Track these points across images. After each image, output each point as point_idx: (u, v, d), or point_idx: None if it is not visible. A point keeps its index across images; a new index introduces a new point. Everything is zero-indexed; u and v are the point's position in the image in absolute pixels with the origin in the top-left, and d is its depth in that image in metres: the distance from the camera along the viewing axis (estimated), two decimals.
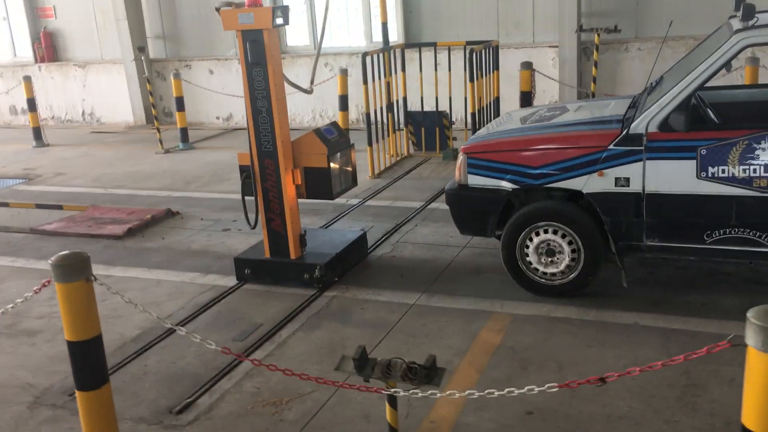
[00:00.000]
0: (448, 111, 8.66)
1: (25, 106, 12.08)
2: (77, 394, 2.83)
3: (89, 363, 2.77)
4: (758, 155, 3.89)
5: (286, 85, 4.95)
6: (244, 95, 4.82)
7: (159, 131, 10.20)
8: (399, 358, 2.86)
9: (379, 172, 8.08)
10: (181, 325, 4.49)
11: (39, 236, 6.48)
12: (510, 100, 9.20)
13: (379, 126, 8.21)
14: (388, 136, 8.50)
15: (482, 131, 5.27)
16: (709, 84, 4.17)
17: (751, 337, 1.83)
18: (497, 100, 8.47)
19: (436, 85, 8.53)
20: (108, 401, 2.85)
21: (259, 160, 4.90)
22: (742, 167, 3.92)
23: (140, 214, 6.76)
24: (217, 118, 12.23)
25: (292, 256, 5.02)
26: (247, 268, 5.10)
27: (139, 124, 12.44)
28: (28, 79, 11.05)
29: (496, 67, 8.34)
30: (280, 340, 4.24)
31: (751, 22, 4.03)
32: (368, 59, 7.83)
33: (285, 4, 4.88)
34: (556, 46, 9.76)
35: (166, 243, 6.12)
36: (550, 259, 4.49)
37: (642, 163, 4.13)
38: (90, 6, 12.78)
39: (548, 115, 5.03)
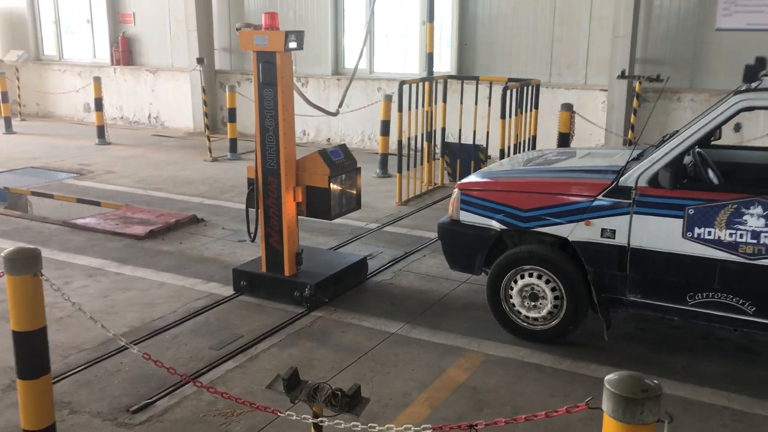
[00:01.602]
0: (485, 145, 8.67)
1: (92, 105, 12.79)
2: (18, 382, 3.00)
3: (31, 353, 2.94)
4: (746, 221, 3.78)
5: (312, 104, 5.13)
6: (254, 113, 5.00)
7: (209, 139, 10.58)
8: (326, 383, 2.92)
9: (407, 199, 8.15)
10: (169, 329, 4.70)
11: (69, 229, 6.84)
12: (552, 140, 9.13)
13: (417, 154, 8.33)
14: (423, 164, 8.58)
15: (485, 169, 5.29)
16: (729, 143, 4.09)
17: (604, 402, 1.82)
18: (534, 138, 8.43)
19: (476, 118, 8.56)
20: (47, 392, 3.01)
21: (263, 177, 5.07)
22: (728, 231, 3.82)
23: (167, 218, 7.04)
24: None
25: (287, 273, 5.15)
26: (244, 280, 5.26)
27: (199, 131, 12.90)
28: (97, 80, 11.66)
29: (536, 105, 8.31)
30: (254, 353, 4.35)
31: (753, 85, 3.94)
32: (408, 87, 7.96)
33: (301, 29, 4.95)
34: (607, 90, 9.65)
35: (181, 248, 6.35)
36: (533, 304, 4.46)
37: (629, 216, 4.07)
38: (167, 15, 13.42)
39: (553, 159, 5.02)
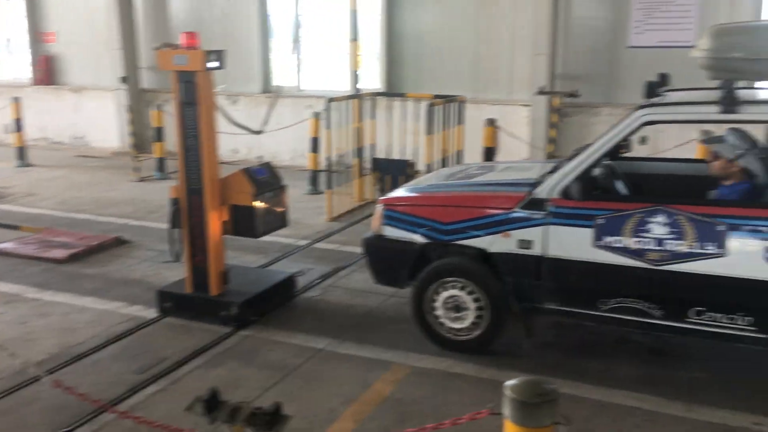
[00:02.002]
0: (414, 160, 8.80)
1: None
2: None
3: None
4: (650, 229, 3.97)
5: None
6: (176, 132, 4.97)
7: (136, 159, 10.40)
8: (246, 402, 2.93)
9: (337, 215, 8.20)
10: (89, 354, 4.60)
11: None
12: (479, 154, 9.34)
13: (347, 170, 8.40)
14: (353, 180, 8.66)
15: (409, 184, 5.39)
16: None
17: (505, 408, 1.90)
18: (460, 153, 8.61)
19: (404, 134, 8.70)
20: None
21: (187, 197, 5.05)
22: (635, 239, 4.01)
23: (89, 240, 6.89)
24: None
25: (213, 292, 5.12)
26: (168, 302, 5.21)
27: (125, 151, 12.62)
28: (16, 100, 11.32)
29: (461, 121, 8.49)
30: (177, 376, 4.31)
31: (655, 100, 4.16)
32: (337, 105, 8.04)
33: (222, 49, 4.97)
34: (530, 105, 9.94)
35: (104, 270, 6.23)
36: (456, 315, 4.56)
37: (544, 227, 4.22)
38: (90, 34, 13.12)
39: (473, 173, 5.15)
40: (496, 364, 4.45)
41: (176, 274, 6.07)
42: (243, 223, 5.10)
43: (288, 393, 4.07)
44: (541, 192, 4.24)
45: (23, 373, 4.28)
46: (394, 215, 4.71)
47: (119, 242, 7.00)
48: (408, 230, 4.65)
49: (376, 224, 4.81)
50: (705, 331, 4.01)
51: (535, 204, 4.24)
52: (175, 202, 5.15)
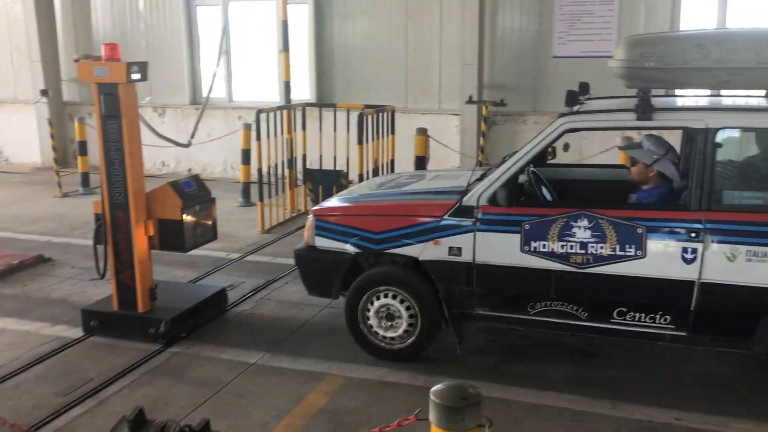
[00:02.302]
0: (346, 170, 8.81)
1: None
2: None
3: None
4: (574, 233, 4.08)
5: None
6: (99, 146, 4.85)
7: (58, 174, 10.07)
8: (173, 420, 2.86)
9: (270, 227, 8.13)
10: (10, 378, 4.43)
11: None
12: (411, 163, 9.42)
13: (279, 181, 8.34)
14: (285, 191, 8.60)
15: (340, 194, 5.39)
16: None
17: (430, 413, 1.92)
18: (392, 162, 8.66)
19: (335, 144, 8.70)
20: None
21: (111, 212, 4.93)
22: (560, 243, 4.11)
23: (9, 259, 6.62)
24: None
25: (141, 309, 5.01)
26: (94, 320, 5.06)
27: (47, 165, 12.17)
28: None
29: (392, 131, 8.56)
30: (104, 396, 4.17)
31: (575, 108, 4.29)
32: (266, 116, 7.98)
33: (144, 60, 4.88)
34: (459, 114, 10.10)
35: (26, 290, 5.99)
36: (389, 324, 4.58)
37: (473, 234, 4.28)
38: (7, 45, 12.67)
39: (403, 182, 5.20)
40: (429, 371, 4.48)
41: (101, 291, 5.91)
42: (171, 237, 5.01)
43: (219, 409, 4.00)
44: (469, 199, 4.30)
45: None
46: (326, 225, 4.69)
47: (41, 260, 6.75)
48: (339, 240, 4.64)
49: (307, 235, 4.79)
50: (628, 331, 4.14)
51: (464, 211, 4.30)
52: (99, 217, 5.02)
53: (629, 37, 4.29)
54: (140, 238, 4.93)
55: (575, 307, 4.18)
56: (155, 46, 11.83)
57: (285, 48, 9.10)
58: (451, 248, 4.34)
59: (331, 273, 4.70)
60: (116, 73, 4.65)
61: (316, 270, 4.79)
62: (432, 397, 1.94)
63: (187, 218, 5.01)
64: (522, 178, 4.44)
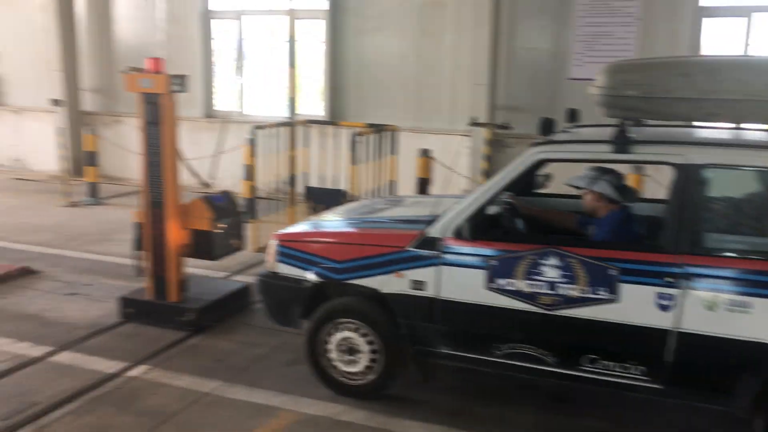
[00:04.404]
0: (347, 190, 8.61)
1: None
2: None
3: None
4: (543, 271, 3.80)
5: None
6: (142, 150, 5.34)
7: (65, 183, 10.09)
8: None
9: (264, 246, 7.93)
10: None
11: None
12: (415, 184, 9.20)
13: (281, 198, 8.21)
14: (288, 208, 8.43)
15: (313, 219, 5.19)
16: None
17: None
18: (393, 183, 8.44)
19: (336, 163, 8.51)
20: None
21: (150, 209, 5.36)
22: (527, 282, 3.83)
23: None
24: None
25: (172, 299, 5.43)
26: (130, 308, 5.51)
27: (63, 174, 12.31)
28: None
29: (394, 151, 8.33)
30: (45, 422, 4.01)
31: (551, 137, 4.02)
32: (275, 131, 7.87)
33: (184, 74, 5.44)
34: (470, 135, 9.83)
35: (2, 303, 5.90)
36: (350, 358, 4.34)
37: (437, 267, 4.03)
38: (32, 54, 12.82)
39: (378, 208, 4.97)
40: (389, 411, 4.22)
41: (78, 307, 5.84)
42: (201, 246, 5.45)
43: None
44: (434, 230, 4.05)
45: None
46: (288, 251, 4.48)
47: (26, 272, 6.67)
48: (301, 268, 4.42)
49: (269, 261, 4.58)
50: (599, 380, 3.83)
51: (428, 243, 4.05)
52: (138, 226, 5.44)
53: (611, 63, 4.01)
54: (174, 233, 5.34)
55: (543, 351, 3.89)
56: (172, 58, 11.74)
57: (291, 64, 8.96)
58: (414, 281, 4.08)
59: (291, 301, 4.49)
60: (159, 85, 5.13)
61: (277, 297, 4.58)
62: None
63: (217, 230, 5.42)
64: (492, 210, 4.16)
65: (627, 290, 3.66)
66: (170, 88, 5.17)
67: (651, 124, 4.35)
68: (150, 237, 5.37)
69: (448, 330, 4.07)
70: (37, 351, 4.96)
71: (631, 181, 7.39)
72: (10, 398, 4.29)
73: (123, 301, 5.57)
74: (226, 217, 5.55)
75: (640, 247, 3.88)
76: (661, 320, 3.61)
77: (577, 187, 4.26)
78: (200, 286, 5.79)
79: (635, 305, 3.65)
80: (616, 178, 4.20)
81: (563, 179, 4.41)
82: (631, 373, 3.75)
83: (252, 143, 8.94)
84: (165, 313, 5.40)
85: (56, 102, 10.23)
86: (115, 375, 4.62)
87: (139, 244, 5.48)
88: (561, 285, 3.76)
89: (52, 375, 4.63)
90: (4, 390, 4.40)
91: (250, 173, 9.05)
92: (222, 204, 5.57)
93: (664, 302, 3.60)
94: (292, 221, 8.55)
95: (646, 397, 3.79)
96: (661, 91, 3.74)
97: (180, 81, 5.26)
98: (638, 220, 4.33)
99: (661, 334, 3.62)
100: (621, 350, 3.75)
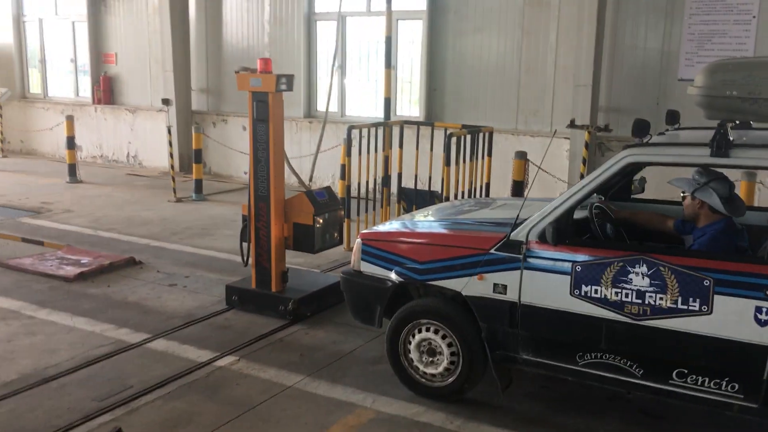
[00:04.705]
0: (440, 191, 8.57)
1: (78, 143, 12.90)
2: None
3: None
4: (631, 279, 3.63)
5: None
6: (249, 146, 5.65)
7: (174, 180, 10.58)
8: None
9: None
10: (58, 377, 4.58)
11: (2, 269, 6.77)
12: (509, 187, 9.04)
13: (375, 198, 8.30)
14: (381, 208, 8.50)
15: (399, 218, 5.19)
16: None
17: None
18: (488, 185, 8.32)
19: (431, 164, 8.49)
20: None
21: (255, 203, 5.69)
22: (614, 290, 3.67)
23: (102, 260, 6.97)
24: (245, 173, 12.55)
25: (274, 289, 5.75)
26: (235, 295, 5.86)
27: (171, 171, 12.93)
28: (70, 119, 11.75)
29: (489, 153, 8.22)
30: (135, 406, 4.21)
31: (645, 140, 3.84)
32: (367, 131, 7.96)
33: (291, 73, 5.78)
34: (570, 138, 9.56)
35: (107, 291, 6.26)
36: (430, 359, 4.31)
37: (520, 271, 3.93)
38: (147, 56, 13.56)
39: (465, 210, 4.91)
40: (467, 414, 4.17)
41: (175, 297, 6.09)
42: (303, 239, 5.74)
43: (238, 430, 3.91)
44: (517, 234, 3.96)
45: None
46: (371, 251, 4.51)
47: (132, 263, 7.05)
48: (384, 267, 4.44)
49: (354, 259, 4.62)
50: (689, 395, 3.62)
51: (511, 246, 3.96)
52: (244, 218, 5.80)
53: (712, 63, 3.79)
54: (277, 226, 5.66)
55: (629, 363, 3.71)
56: (276, 59, 12.07)
57: (388, 64, 9.03)
58: (495, 285, 4.01)
59: (374, 300, 4.51)
60: (267, 84, 5.43)
61: (360, 296, 4.62)
62: None
63: (318, 224, 5.68)
64: (581, 214, 4.02)
65: (722, 302, 3.44)
66: (278, 87, 5.45)
67: (757, 127, 4.08)
68: (255, 229, 5.69)
69: (529, 336, 3.97)
70: (134, 338, 5.22)
71: (741, 189, 6.97)
72: (106, 381, 4.55)
73: (229, 289, 5.90)
74: (327, 212, 5.81)
75: (738, 257, 3.64)
76: (759, 336, 3.37)
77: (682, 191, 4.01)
78: (299, 278, 6.04)
79: (731, 318, 3.43)
80: (725, 187, 3.92)
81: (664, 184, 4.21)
82: (725, 390, 3.52)
83: (347, 143, 9.09)
84: (267, 302, 5.69)
85: (166, 101, 10.75)
86: (204, 364, 4.79)
87: (244, 236, 5.80)
88: (650, 294, 3.58)
89: (147, 361, 4.86)
90: (102, 373, 4.66)
91: (345, 173, 9.21)
92: (323, 199, 5.83)
93: (763, 317, 3.35)
94: (386, 219, 8.62)
95: (740, 416, 3.55)
96: (765, 92, 3.50)
97: (287, 80, 5.53)
98: (741, 231, 4.06)
99: (758, 349, 3.38)
100: (714, 365, 3.52)
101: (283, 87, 5.51)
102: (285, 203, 5.72)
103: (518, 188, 8.13)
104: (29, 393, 4.33)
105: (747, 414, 3.52)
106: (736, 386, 3.49)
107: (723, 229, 3.86)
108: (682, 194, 4.10)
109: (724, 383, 3.51)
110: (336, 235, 6.02)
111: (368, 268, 4.52)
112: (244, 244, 5.87)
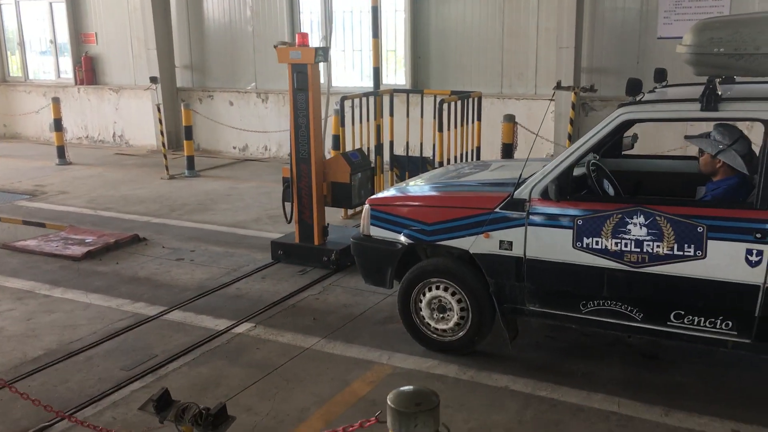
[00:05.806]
0: (432, 157, 8.77)
1: (64, 124, 12.86)
2: None
3: None
4: (630, 230, 3.87)
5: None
6: (290, 114, 6.16)
7: (166, 157, 10.67)
8: (194, 403, 3.00)
9: (353, 213, 8.23)
10: (84, 351, 4.76)
11: (9, 252, 6.89)
12: (499, 150, 9.25)
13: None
14: (375, 176, 8.67)
15: (400, 184, 5.38)
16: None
17: (387, 417, 1.90)
18: (478, 149, 8.53)
19: (422, 131, 8.66)
20: None
21: (297, 165, 6.23)
22: (614, 240, 3.91)
23: (107, 238, 7.10)
24: (234, 147, 12.67)
25: (316, 242, 6.34)
26: (280, 250, 6.43)
27: (161, 149, 12.97)
28: (56, 101, 11.74)
29: (479, 117, 8.41)
30: (163, 373, 4.42)
31: (638, 98, 4.05)
32: (351, 102, 8.08)
33: (327, 47, 6.62)
34: (554, 100, 9.76)
35: (117, 268, 6.42)
36: (441, 315, 4.55)
37: (524, 228, 4.16)
38: (128, 34, 13.51)
39: (465, 173, 5.12)
40: (478, 365, 4.42)
41: (184, 272, 6.26)
42: (341, 196, 6.33)
43: (264, 392, 4.14)
44: (521, 192, 4.17)
45: (18, 368, 4.47)
46: (380, 215, 4.71)
47: (136, 240, 7.19)
48: (393, 230, 4.64)
49: (363, 224, 4.82)
50: (686, 335, 3.89)
51: (515, 204, 4.18)
52: (286, 180, 6.37)
53: (699, 21, 3.99)
54: (317, 185, 6.18)
55: (629, 308, 3.97)
56: (259, 32, 12.22)
57: (375, 34, 9.14)
58: (501, 242, 4.23)
59: (384, 263, 4.72)
60: (306, 56, 5.90)
61: (371, 259, 4.83)
62: (388, 401, 1.92)
63: (354, 182, 6.23)
64: (579, 171, 4.24)
65: (715, 247, 3.69)
66: (316, 59, 5.88)
67: (741, 81, 4.31)
68: (297, 189, 6.22)
69: (535, 288, 4.21)
70: (151, 310, 5.41)
71: None
72: (131, 351, 4.74)
73: (274, 245, 6.45)
74: (360, 171, 6.38)
75: (728, 204, 3.88)
76: (750, 276, 3.63)
77: (701, 149, 4.20)
78: (337, 233, 6.61)
79: (723, 262, 3.68)
80: (745, 147, 4.12)
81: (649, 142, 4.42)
82: (719, 329, 3.79)
83: (340, 114, 9.23)
84: (311, 254, 6.27)
85: (154, 79, 10.78)
86: (223, 332, 5.00)
87: (287, 196, 6.36)
88: (648, 243, 3.83)
89: (167, 331, 5.06)
90: (126, 344, 4.85)
91: (337, 143, 9.36)
92: (357, 160, 6.45)
93: (753, 258, 3.61)
94: (379, 189, 8.80)
95: (734, 352, 3.83)
96: (751, 47, 3.71)
97: (323, 52, 5.99)
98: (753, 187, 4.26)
99: (749, 289, 3.64)
100: (708, 306, 3.79)
101: (320, 58, 5.94)
102: (324, 164, 6.25)
103: (508, 150, 8.34)
104: (57, 367, 4.52)
105: (740, 349, 3.80)
106: (730, 324, 3.76)
107: (737, 184, 4.07)
108: (699, 153, 4.28)
109: (719, 322, 3.78)
110: (369, 191, 6.47)
111: (377, 232, 4.73)
112: (287, 204, 6.42)
